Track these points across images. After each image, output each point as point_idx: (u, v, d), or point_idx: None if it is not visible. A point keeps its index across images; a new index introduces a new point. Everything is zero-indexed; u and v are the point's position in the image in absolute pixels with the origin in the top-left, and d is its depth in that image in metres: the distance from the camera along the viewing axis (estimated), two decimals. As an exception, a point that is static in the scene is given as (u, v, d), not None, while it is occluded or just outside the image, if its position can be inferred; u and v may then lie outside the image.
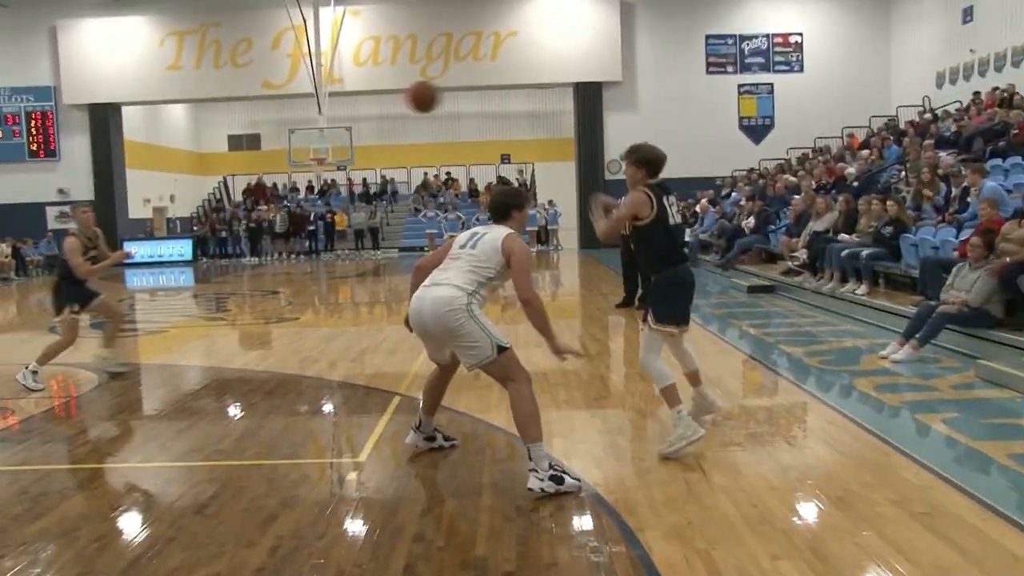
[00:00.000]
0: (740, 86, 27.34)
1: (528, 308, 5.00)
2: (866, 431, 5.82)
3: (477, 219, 29.67)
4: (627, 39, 26.97)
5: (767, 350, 9.29)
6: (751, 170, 24.76)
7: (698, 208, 21.60)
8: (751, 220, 17.15)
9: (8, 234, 26.01)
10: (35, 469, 5.77)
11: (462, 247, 5.08)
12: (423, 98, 6.27)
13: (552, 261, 25.74)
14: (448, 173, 34.53)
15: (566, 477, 4.79)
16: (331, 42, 27.02)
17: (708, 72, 27.34)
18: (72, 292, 8.61)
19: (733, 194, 21.78)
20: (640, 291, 11.78)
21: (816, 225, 13.54)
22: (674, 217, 5.47)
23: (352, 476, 5.32)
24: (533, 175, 34.44)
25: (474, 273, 4.93)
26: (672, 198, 5.47)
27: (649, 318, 5.50)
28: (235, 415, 7.22)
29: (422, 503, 4.81)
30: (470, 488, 4.95)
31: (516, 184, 33.99)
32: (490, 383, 7.74)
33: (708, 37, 27.31)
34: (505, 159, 35.05)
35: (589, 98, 27.38)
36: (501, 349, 4.86)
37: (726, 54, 27.32)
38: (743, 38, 27.26)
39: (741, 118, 27.42)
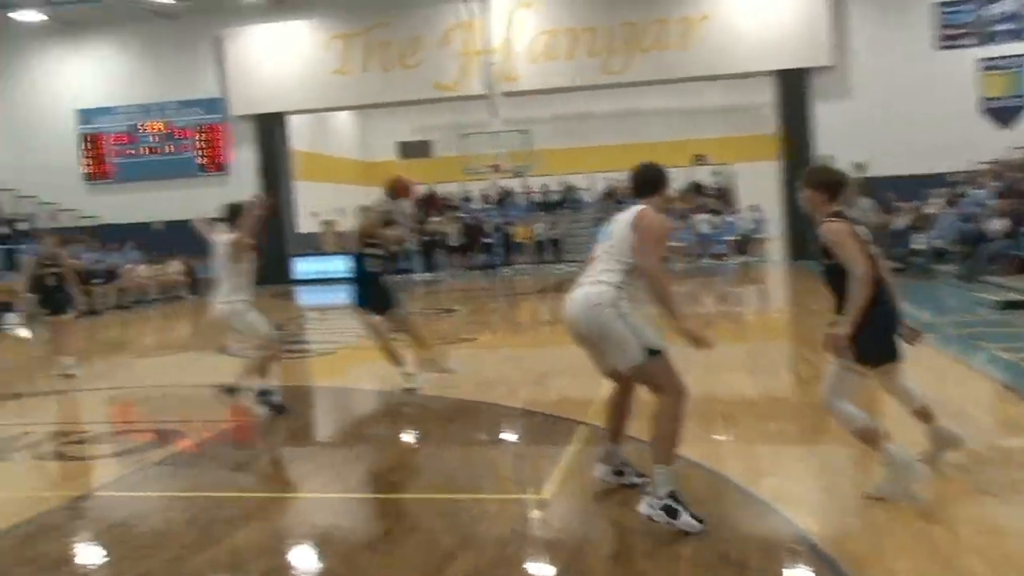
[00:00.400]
0: (982, 60, 25.68)
1: (648, 279, 4.88)
2: None
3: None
4: (837, 17, 25.96)
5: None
6: (996, 161, 23.19)
7: (932, 209, 20.50)
8: (1001, 222, 16.12)
9: (180, 252, 27.60)
10: (207, 496, 6.11)
11: (600, 242, 5.13)
12: None
13: (757, 275, 25.08)
14: (636, 177, 34.32)
15: (683, 513, 4.68)
16: (504, 38, 27.49)
17: (940, 47, 25.85)
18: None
19: (976, 191, 20.54)
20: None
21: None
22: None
23: (535, 514, 5.32)
24: (731, 178, 33.74)
25: (616, 264, 4.93)
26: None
27: (848, 354, 4.99)
28: (409, 444, 7.40)
29: (611, 547, 4.76)
30: (667, 531, 4.84)
31: (716, 188, 33.48)
32: (691, 414, 7.65)
33: (942, 3, 25.77)
34: (700, 160, 34.49)
35: (794, 87, 26.53)
36: (651, 353, 4.77)
37: (963, 23, 25.73)
38: (986, 1, 25.55)
39: (984, 99, 25.76)
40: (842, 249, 4.89)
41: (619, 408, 5.44)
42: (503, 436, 7.81)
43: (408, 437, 7.75)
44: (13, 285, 21.17)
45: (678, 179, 33.81)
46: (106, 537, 5.35)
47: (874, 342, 4.97)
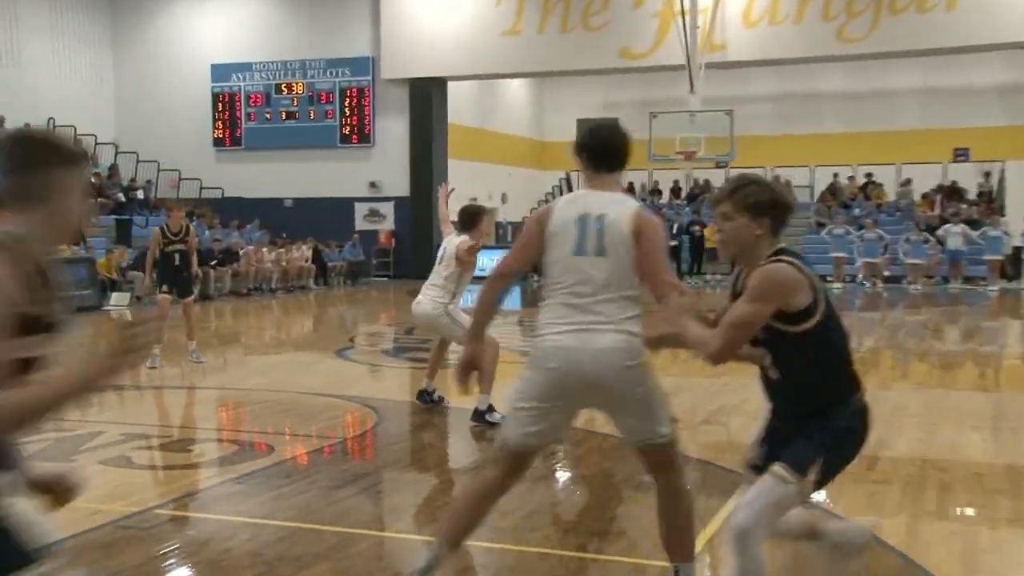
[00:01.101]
0: None
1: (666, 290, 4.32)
2: None
3: (907, 239, 28.36)
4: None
5: None
6: None
7: None
8: None
9: (310, 233, 28.25)
10: (279, 525, 6.09)
11: (580, 253, 4.45)
12: None
13: None
14: (869, 175, 33.31)
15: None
16: (711, -3, 27.02)
17: None
18: None
19: None
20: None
21: None
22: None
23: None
24: (1002, 178, 32.15)
25: (624, 299, 4.41)
26: None
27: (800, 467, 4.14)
28: (530, 483, 7.21)
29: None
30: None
31: (979, 192, 32.03)
32: (890, 479, 7.23)
33: None
34: (960, 155, 33.07)
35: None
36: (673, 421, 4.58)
37: None
38: None
39: None
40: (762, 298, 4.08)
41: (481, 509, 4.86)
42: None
43: (530, 475, 7.55)
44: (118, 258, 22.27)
45: (929, 179, 32.53)
46: (154, 566, 5.37)
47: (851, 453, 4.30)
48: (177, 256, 12.85)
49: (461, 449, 8.88)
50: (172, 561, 5.46)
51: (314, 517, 6.45)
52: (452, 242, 8.98)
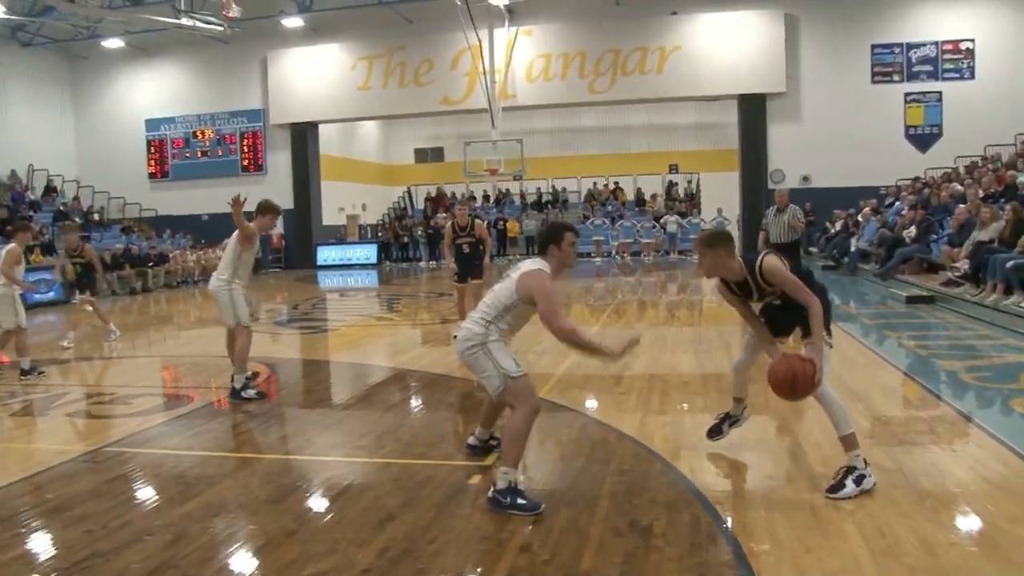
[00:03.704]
0: (907, 95, 25.37)
1: (561, 338, 4.63)
2: (1019, 457, 5.08)
3: (642, 226, 29.28)
4: (791, 51, 25.63)
5: (922, 364, 8.44)
6: (916, 179, 23.04)
7: (860, 217, 20.26)
8: (912, 230, 15.87)
9: (223, 239, 27.50)
10: (196, 455, 5.91)
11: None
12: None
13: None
14: (616, 183, 34.11)
15: (520, 499, 4.47)
16: (505, 60, 27.12)
17: (873, 81, 25.52)
18: None
19: (896, 203, 20.29)
20: None
21: (980, 235, 12.32)
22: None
23: (474, 480, 5.08)
24: (699, 185, 33.63)
25: (491, 307, 4.75)
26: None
27: (820, 333, 4.63)
28: (381, 413, 7.17)
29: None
30: (587, 499, 4.63)
31: (682, 194, 33.24)
32: (629, 390, 7.46)
33: (874, 46, 25.48)
34: (673, 169, 34.31)
35: (753, 110, 26.17)
36: (510, 379, 4.60)
37: (892, 63, 25.41)
38: (910, 46, 25.28)
39: (907, 127, 25.43)
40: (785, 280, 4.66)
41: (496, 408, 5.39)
42: (465, 407, 7.51)
43: (382, 407, 7.51)
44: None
45: (654, 185, 33.71)
46: (104, 488, 5.14)
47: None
48: (79, 266, 12.52)
49: (335, 392, 8.76)
50: (117, 484, 5.23)
51: (223, 447, 6.29)
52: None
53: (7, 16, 22.96)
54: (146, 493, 5.11)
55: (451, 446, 5.99)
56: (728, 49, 25.66)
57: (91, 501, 4.89)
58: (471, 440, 5.51)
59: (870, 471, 4.57)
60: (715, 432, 5.52)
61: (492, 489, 4.53)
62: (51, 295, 19.71)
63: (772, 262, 4.66)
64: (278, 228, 28.36)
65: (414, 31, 27.62)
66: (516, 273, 4.76)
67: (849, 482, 4.51)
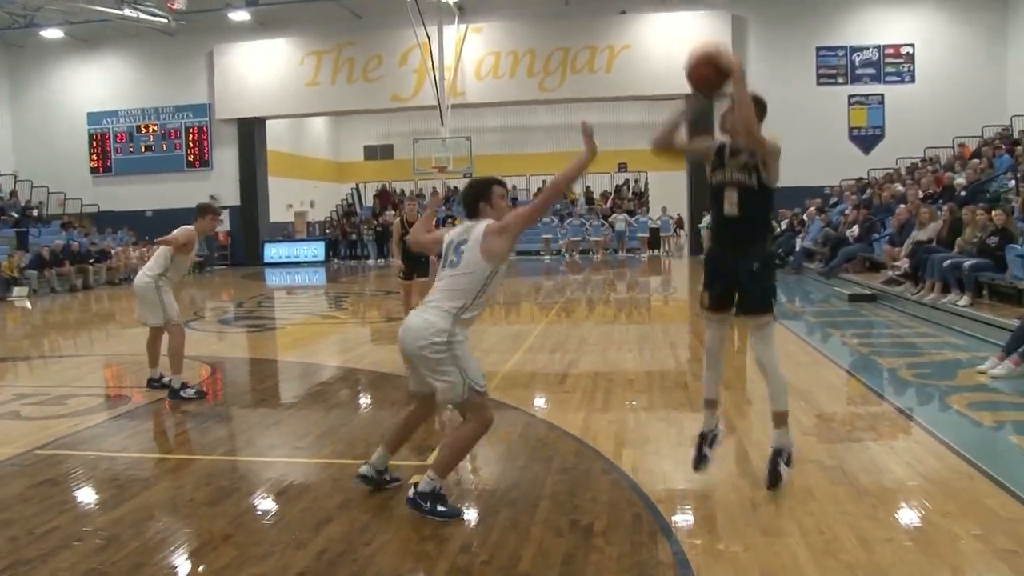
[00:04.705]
0: (850, 97, 25.89)
1: (552, 200, 4.66)
2: (954, 453, 5.16)
3: (591, 224, 29.37)
4: (738, 52, 25.97)
5: (863, 361, 8.57)
6: (859, 179, 23.48)
7: (805, 216, 20.59)
8: (855, 229, 16.16)
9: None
10: (130, 456, 5.74)
11: (445, 267, 4.40)
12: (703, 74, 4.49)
13: (664, 267, 25.10)
14: (564, 181, 34.16)
15: (442, 507, 4.31)
16: (454, 58, 27.03)
17: (818, 84, 25.99)
18: None
19: (840, 204, 20.65)
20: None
21: (919, 235, 12.58)
22: None
23: (414, 480, 5.00)
24: (647, 183, 33.90)
25: (459, 294, 4.27)
26: None
27: (763, 304, 4.54)
28: (324, 412, 7.06)
29: (477, 512, 4.48)
30: (528, 499, 4.58)
31: (630, 193, 33.43)
32: (574, 388, 7.44)
33: (819, 49, 25.96)
34: (621, 167, 34.46)
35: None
36: (474, 392, 4.28)
37: (836, 65, 25.92)
38: (854, 49, 25.80)
39: (851, 128, 25.95)
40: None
41: (408, 427, 4.85)
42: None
43: (324, 406, 7.39)
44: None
45: (603, 183, 33.83)
46: (32, 492, 4.95)
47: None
48: None
49: (279, 392, 8.61)
50: (46, 489, 5.05)
51: (160, 448, 6.14)
52: (181, 229, 7.61)
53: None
54: (77, 497, 4.95)
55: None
56: (676, 49, 25.74)
57: (17, 506, 4.71)
58: (363, 469, 4.77)
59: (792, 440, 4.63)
60: (700, 461, 4.79)
61: (413, 490, 4.35)
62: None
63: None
64: (223, 226, 27.92)
65: (363, 26, 27.39)
66: (470, 243, 4.31)
67: (782, 467, 4.54)
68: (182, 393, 7.46)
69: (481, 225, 4.36)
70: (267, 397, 8.13)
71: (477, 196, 4.50)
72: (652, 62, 26.08)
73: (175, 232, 7.59)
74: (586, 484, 4.82)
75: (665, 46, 25.97)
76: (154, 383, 7.89)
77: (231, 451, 5.90)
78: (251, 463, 5.57)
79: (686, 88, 4.59)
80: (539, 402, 7.16)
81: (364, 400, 7.77)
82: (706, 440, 4.80)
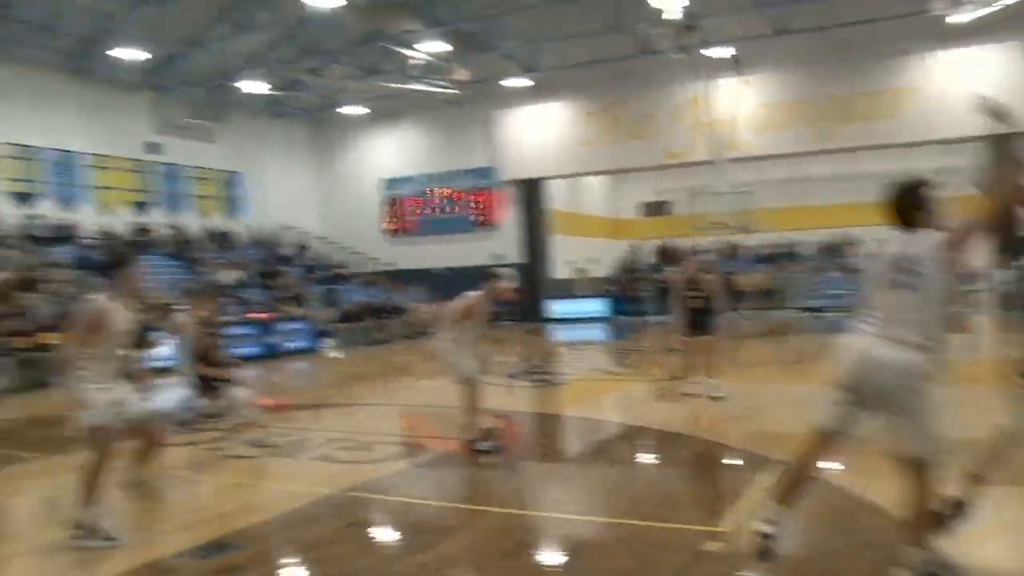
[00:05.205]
0: None
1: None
2: None
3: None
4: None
5: None
6: None
7: None
8: None
9: (457, 292, 28.44)
10: (430, 504, 6.02)
11: (893, 285, 3.74)
12: None
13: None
14: (844, 237, 32.25)
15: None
16: (729, 111, 26.62)
17: None
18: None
19: None
20: None
21: None
22: None
23: (711, 547, 4.79)
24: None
25: (927, 316, 3.65)
26: None
27: None
28: (610, 469, 7.03)
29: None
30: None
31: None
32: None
33: None
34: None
35: (1005, 151, 23.85)
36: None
37: None
38: None
39: None
40: None
41: (807, 472, 4.12)
42: (696, 468, 7.19)
43: (611, 463, 7.36)
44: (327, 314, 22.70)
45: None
46: (344, 532, 5.34)
47: None
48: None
49: (565, 447, 8.70)
50: (355, 530, 5.41)
51: (457, 498, 6.38)
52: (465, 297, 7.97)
53: (269, 92, 25.62)
54: (383, 540, 5.26)
55: (686, 509, 5.74)
56: (969, 88, 23.63)
57: (330, 545, 5.07)
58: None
59: None
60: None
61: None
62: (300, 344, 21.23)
63: None
64: (514, 283, 29.18)
65: (635, 85, 27.75)
66: (925, 251, 3.70)
67: None
68: (478, 445, 7.70)
69: (932, 236, 3.78)
70: (554, 452, 8.26)
71: (914, 202, 3.92)
72: (942, 103, 24.04)
73: (459, 302, 7.95)
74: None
75: (957, 86, 23.90)
76: (476, 440, 7.82)
77: (524, 505, 6.01)
78: (544, 518, 5.64)
79: (982, 129, 4.02)
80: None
81: (651, 459, 7.65)
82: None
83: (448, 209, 31.62)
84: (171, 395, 9.01)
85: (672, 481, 6.69)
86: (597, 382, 13.95)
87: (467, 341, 7.95)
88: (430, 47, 23.81)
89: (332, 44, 24.04)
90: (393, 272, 31.27)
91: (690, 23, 22.12)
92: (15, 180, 22.06)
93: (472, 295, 7.95)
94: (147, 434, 5.82)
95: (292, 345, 20.81)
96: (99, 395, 5.28)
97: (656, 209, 37.87)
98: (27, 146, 22.36)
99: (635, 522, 5.30)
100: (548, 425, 9.79)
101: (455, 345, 7.88)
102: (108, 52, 21.35)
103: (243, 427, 8.41)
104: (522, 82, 27.55)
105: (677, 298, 10.66)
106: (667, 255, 33.23)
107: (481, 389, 7.98)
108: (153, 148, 25.79)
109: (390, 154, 32.57)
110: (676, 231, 34.00)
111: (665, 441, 8.05)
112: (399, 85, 25.72)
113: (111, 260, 15.25)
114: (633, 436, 8.46)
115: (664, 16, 21.78)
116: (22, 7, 19.71)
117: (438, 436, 8.64)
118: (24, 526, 6.16)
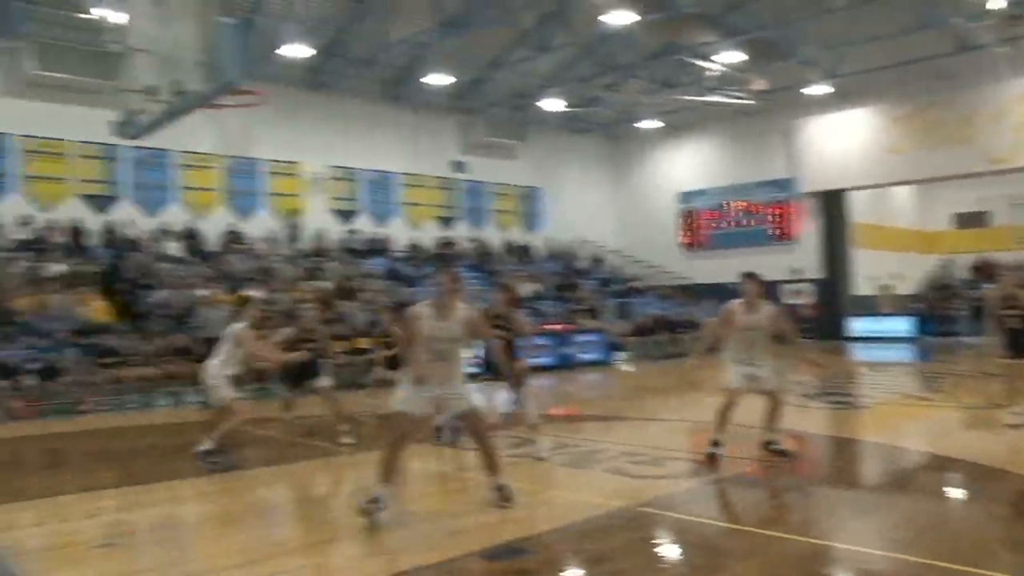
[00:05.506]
0: None
1: None
2: None
3: None
4: None
5: None
6: None
7: None
8: None
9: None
10: (721, 526, 5.92)
11: None
12: None
13: None
14: None
15: None
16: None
17: None
18: None
19: None
20: None
21: None
22: None
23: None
24: None
25: None
26: None
27: None
28: (918, 503, 6.50)
29: None
30: None
31: None
32: None
33: None
34: None
35: None
36: None
37: None
38: None
39: None
40: None
41: None
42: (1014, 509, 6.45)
43: (924, 496, 6.79)
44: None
45: None
46: (636, 547, 5.40)
47: None
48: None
49: (865, 475, 8.19)
50: (645, 545, 5.44)
51: (750, 521, 6.21)
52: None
53: (567, 109, 26.63)
54: (672, 557, 5.25)
55: (1011, 557, 5.15)
56: None
57: (621, 558, 5.14)
58: None
59: None
60: None
61: None
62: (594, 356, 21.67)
63: None
64: (810, 298, 28.04)
65: (949, 86, 25.35)
66: None
67: None
68: (773, 447, 7.82)
69: None
70: (854, 480, 7.79)
71: None
72: None
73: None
74: None
75: None
76: (772, 445, 8.13)
77: (823, 534, 5.73)
78: (845, 551, 5.33)
79: None
80: None
81: (966, 496, 6.94)
82: None
83: (744, 222, 30.89)
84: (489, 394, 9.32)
85: (993, 524, 6.03)
86: (902, 407, 12.95)
87: (737, 352, 8.10)
88: (726, 57, 23.46)
89: (628, 59, 24.47)
90: (688, 286, 31.08)
91: (1017, 12, 20.00)
92: (339, 199, 24.78)
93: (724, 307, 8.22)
94: (476, 429, 6.51)
95: (586, 357, 21.32)
96: (405, 388, 6.12)
97: (972, 220, 34.53)
98: (350, 168, 25.02)
99: (952, 566, 4.84)
100: (847, 450, 9.25)
101: (726, 357, 8.16)
102: (421, 79, 23.28)
103: (532, 433, 8.80)
104: (823, 89, 26.25)
105: (993, 316, 9.73)
106: (984, 270, 30.08)
107: (734, 397, 7.98)
108: (458, 167, 27.71)
109: (685, 167, 32.50)
110: (995, 244, 30.73)
111: (984, 476, 7.28)
112: (695, 97, 25.59)
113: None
114: (944, 468, 7.75)
115: (988, 6, 19.87)
116: (351, 44, 22.22)
117: (731, 454, 8.44)
118: (339, 514, 6.85)
